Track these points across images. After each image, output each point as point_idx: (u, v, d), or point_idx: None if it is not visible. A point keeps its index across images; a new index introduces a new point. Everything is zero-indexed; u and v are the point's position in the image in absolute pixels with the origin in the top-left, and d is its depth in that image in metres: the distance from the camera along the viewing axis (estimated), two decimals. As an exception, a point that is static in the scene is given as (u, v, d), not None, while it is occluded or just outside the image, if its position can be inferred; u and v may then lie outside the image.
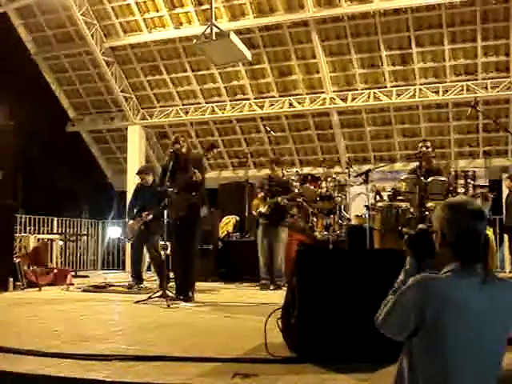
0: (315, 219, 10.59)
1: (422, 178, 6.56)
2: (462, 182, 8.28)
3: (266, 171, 9.41)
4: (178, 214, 7.00)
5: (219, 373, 3.29)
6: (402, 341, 2.28)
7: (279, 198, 8.70)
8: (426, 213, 6.34)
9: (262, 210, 8.82)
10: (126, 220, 9.27)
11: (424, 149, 7.05)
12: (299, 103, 14.46)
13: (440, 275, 2.24)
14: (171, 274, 7.66)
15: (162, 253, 11.67)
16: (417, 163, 7.17)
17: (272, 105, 14.69)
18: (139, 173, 9.06)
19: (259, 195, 9.01)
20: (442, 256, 2.30)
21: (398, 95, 13.62)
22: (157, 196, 8.38)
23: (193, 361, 3.54)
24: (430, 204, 6.48)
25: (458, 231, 2.23)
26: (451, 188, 6.67)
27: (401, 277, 2.41)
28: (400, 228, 7.04)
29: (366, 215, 8.21)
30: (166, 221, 7.10)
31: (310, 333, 3.61)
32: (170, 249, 7.79)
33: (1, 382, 3.27)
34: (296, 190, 9.54)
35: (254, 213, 9.26)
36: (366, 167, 11.30)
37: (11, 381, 3.25)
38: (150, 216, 8.31)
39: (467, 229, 2.21)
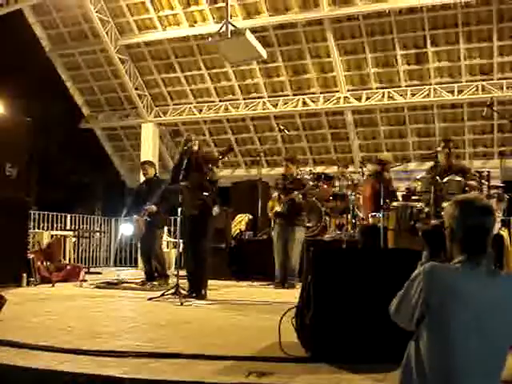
0: (328, 218, 10.56)
1: (438, 178, 6.51)
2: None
3: (279, 170, 9.36)
4: (191, 213, 6.99)
5: (234, 371, 3.28)
6: (413, 330, 2.33)
7: (294, 193, 8.64)
8: (442, 213, 6.27)
9: (278, 209, 8.77)
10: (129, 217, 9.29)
11: (440, 148, 6.99)
12: (313, 102, 14.42)
13: (447, 265, 2.33)
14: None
15: (175, 251, 11.80)
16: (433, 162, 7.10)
17: (286, 103, 14.67)
18: (142, 163, 9.30)
19: (273, 195, 8.97)
20: (451, 251, 2.38)
21: (413, 95, 13.55)
22: (158, 187, 8.42)
23: (207, 359, 3.53)
24: (445, 204, 6.42)
25: (465, 227, 2.31)
26: (467, 188, 6.61)
27: (417, 270, 2.45)
28: (413, 224, 7.00)
29: (380, 215, 8.16)
30: (179, 218, 7.11)
31: (325, 332, 3.59)
32: (182, 247, 7.79)
33: (16, 377, 3.27)
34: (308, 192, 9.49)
35: (269, 214, 9.21)
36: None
37: (26, 376, 3.26)
38: (154, 207, 8.32)
39: (474, 225, 2.30)
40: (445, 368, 2.17)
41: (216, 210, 7.23)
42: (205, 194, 7.03)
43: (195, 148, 7.20)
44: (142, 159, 15.26)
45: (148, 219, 8.40)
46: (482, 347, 2.17)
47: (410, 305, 2.30)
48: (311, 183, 9.51)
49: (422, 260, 2.54)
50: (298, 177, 9.21)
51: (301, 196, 8.71)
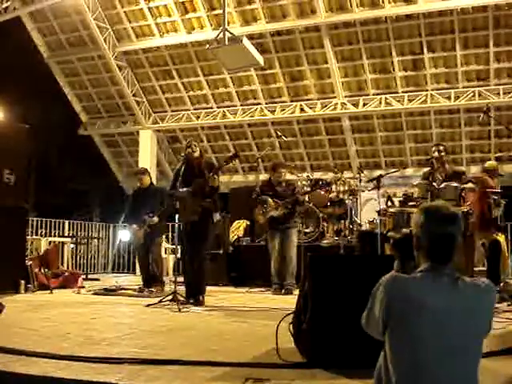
0: (326, 224, 10.57)
1: (435, 184, 6.53)
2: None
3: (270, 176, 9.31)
4: (190, 219, 6.99)
5: (231, 377, 3.29)
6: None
7: (299, 197, 8.62)
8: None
9: (274, 214, 8.76)
10: (127, 225, 9.33)
11: (436, 153, 7.01)
12: (310, 108, 14.47)
13: (408, 275, 2.30)
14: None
15: (173, 257, 11.81)
16: (429, 168, 7.13)
17: (283, 110, 14.72)
18: (136, 173, 9.29)
19: (269, 201, 8.90)
20: (417, 259, 2.34)
21: (410, 101, 13.61)
22: (158, 197, 8.45)
23: (204, 365, 3.54)
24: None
25: (429, 235, 2.28)
26: (464, 193, 6.64)
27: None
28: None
29: (377, 221, 8.19)
30: (177, 225, 7.12)
31: (322, 338, 3.60)
32: (180, 252, 7.80)
33: (14, 383, 3.28)
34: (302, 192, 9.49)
35: (260, 221, 9.13)
36: (376, 172, 11.30)
37: (23, 383, 3.26)
38: (155, 219, 8.36)
39: (438, 232, 2.26)
40: (410, 378, 2.15)
41: (217, 216, 7.23)
42: (206, 200, 7.02)
43: (196, 154, 7.19)
44: (139, 166, 15.35)
45: (148, 230, 8.44)
46: (446, 356, 2.14)
47: (375, 316, 2.29)
48: (305, 182, 9.53)
49: (393, 269, 2.52)
50: (286, 178, 9.15)
51: (305, 197, 8.71)
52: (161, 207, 8.37)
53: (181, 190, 6.97)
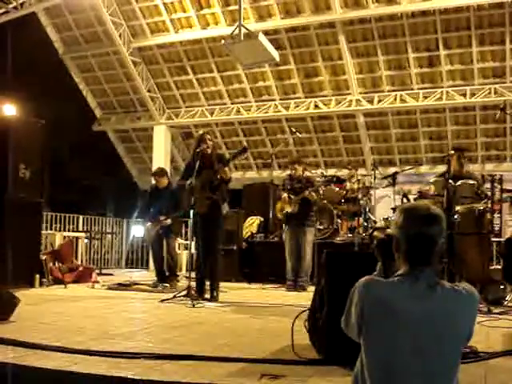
0: (340, 221, 10.54)
1: (451, 182, 6.48)
2: (488, 185, 8.18)
3: (289, 172, 9.32)
4: (201, 211, 6.97)
5: (247, 373, 3.27)
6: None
7: (306, 192, 8.62)
8: (455, 216, 6.25)
9: (289, 210, 8.75)
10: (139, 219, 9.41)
11: (462, 160, 6.95)
12: (325, 105, 14.42)
13: (385, 279, 2.26)
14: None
15: (186, 252, 11.82)
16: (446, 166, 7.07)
17: (297, 106, 14.68)
18: (154, 174, 9.26)
19: (283, 196, 8.95)
20: (397, 261, 2.28)
21: (425, 97, 13.52)
22: (174, 198, 8.47)
23: (220, 361, 3.53)
24: (458, 208, 6.41)
25: (407, 236, 2.20)
26: (480, 191, 6.58)
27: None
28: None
29: (392, 218, 8.13)
30: (189, 220, 7.12)
31: (338, 335, 3.57)
32: (193, 248, 7.81)
33: (29, 377, 3.28)
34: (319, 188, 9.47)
35: (279, 216, 9.17)
36: (391, 170, 11.24)
37: (39, 377, 3.27)
38: (169, 221, 8.43)
39: (416, 234, 2.18)
40: (383, 380, 2.11)
41: (225, 207, 7.22)
42: (214, 192, 7.01)
43: (208, 151, 7.16)
44: (153, 161, 15.40)
45: (161, 231, 8.51)
46: (419, 363, 2.08)
47: (351, 319, 2.25)
48: (318, 179, 9.53)
49: (375, 272, 2.46)
50: (305, 175, 9.17)
51: (313, 194, 8.69)
52: (176, 212, 8.45)
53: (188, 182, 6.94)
